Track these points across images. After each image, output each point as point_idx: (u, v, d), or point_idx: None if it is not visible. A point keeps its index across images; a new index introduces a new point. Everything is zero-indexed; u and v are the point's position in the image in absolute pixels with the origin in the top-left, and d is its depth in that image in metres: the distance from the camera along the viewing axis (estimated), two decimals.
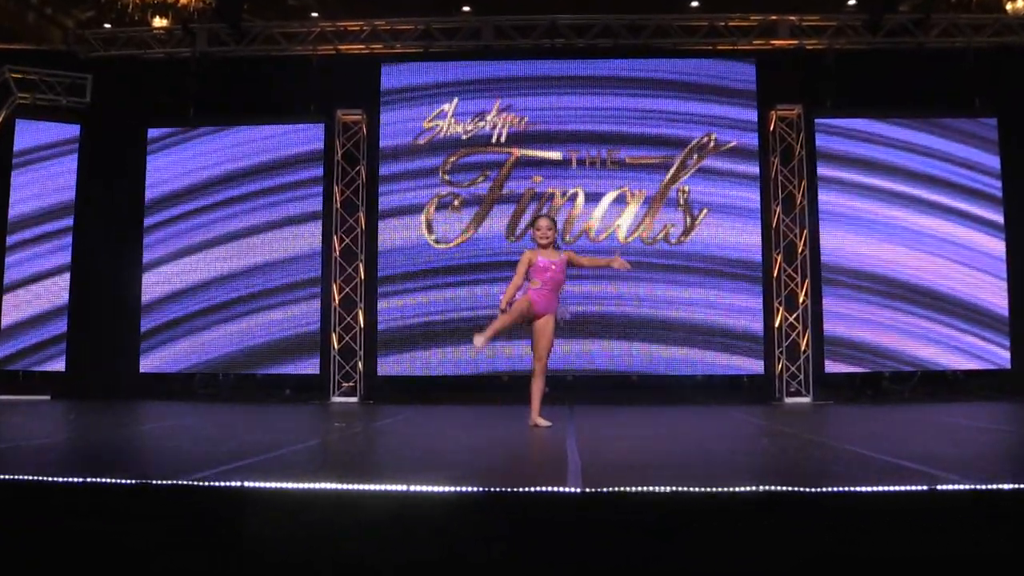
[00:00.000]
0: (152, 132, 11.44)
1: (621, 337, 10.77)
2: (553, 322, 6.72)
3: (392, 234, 11.06)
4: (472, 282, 10.85)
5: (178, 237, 11.26)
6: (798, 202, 10.94)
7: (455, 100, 11.17)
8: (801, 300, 10.86)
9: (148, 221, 11.30)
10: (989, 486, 3.22)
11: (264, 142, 11.31)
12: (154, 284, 11.22)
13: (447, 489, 3.25)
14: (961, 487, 3.29)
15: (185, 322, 11.16)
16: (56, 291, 11.23)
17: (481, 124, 11.10)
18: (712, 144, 10.96)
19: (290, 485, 3.33)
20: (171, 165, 11.37)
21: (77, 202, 11.39)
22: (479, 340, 6.41)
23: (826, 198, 10.95)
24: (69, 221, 11.36)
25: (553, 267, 6.70)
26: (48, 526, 3.23)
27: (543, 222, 6.86)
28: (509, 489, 3.29)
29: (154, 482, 3.46)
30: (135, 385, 11.04)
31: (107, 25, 11.62)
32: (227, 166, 11.29)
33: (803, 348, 10.80)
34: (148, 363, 11.17)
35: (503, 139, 11.06)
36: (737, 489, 3.23)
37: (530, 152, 11.02)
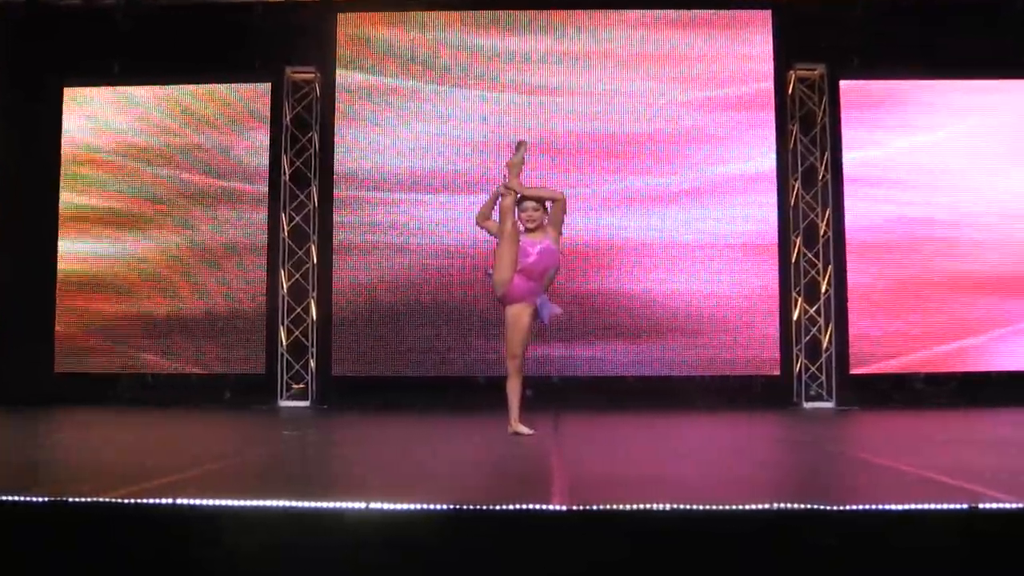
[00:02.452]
0: (69, 92, 11.35)
1: (613, 333, 10.78)
2: (530, 314, 6.63)
3: (351, 212, 11.02)
4: (449, 268, 10.80)
5: (99, 214, 11.17)
6: (820, 176, 10.97)
7: (426, 57, 11.11)
8: (823, 289, 10.90)
9: (64, 196, 11.23)
10: None
11: (200, 104, 11.22)
12: (71, 269, 11.16)
13: (413, 506, 3.26)
14: (1006, 506, 3.33)
15: (108, 313, 11.09)
16: None
17: (458, 83, 11.05)
18: (719, 108, 10.97)
19: (232, 502, 3.33)
20: (91, 131, 11.26)
21: None
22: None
23: (853, 171, 10.97)
24: None
25: (537, 251, 6.62)
26: None
27: (528, 202, 6.79)
28: (485, 506, 3.30)
29: (71, 500, 3.45)
30: (49, 388, 10.96)
31: None
32: (157, 132, 11.20)
33: (825, 345, 10.84)
34: (65, 362, 11.10)
35: (484, 100, 11.01)
36: (746, 507, 3.26)
37: (515, 114, 10.96)
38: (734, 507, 3.26)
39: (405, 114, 11.09)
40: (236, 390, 11.09)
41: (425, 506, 3.27)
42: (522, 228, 6.70)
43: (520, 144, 6.92)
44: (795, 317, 10.89)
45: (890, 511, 3.25)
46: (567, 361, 10.77)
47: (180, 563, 3.20)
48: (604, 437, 7.30)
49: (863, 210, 10.93)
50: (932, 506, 3.28)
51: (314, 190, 11.11)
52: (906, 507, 3.25)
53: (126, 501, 3.43)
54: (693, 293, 10.81)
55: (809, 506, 3.29)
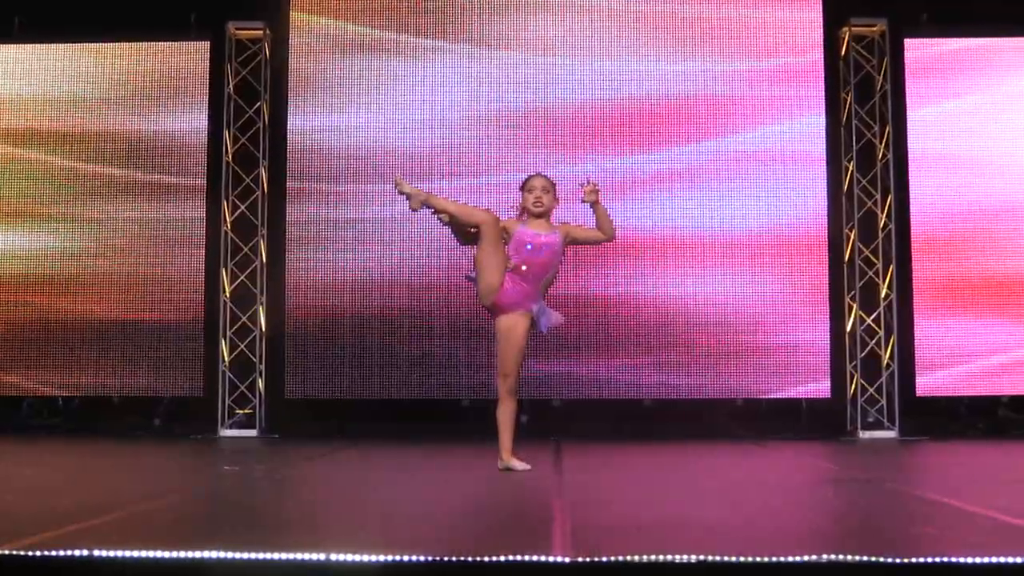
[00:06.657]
0: None
1: (628, 347, 10.78)
2: (526, 325, 6.62)
3: (308, 199, 10.99)
4: (427, 268, 10.77)
5: None
6: (880, 155, 10.98)
7: (404, 8, 11.06)
8: (883, 294, 10.90)
9: None
10: None
11: (122, 68, 11.21)
12: None
13: (384, 558, 3.25)
14: None
15: (8, 322, 11.07)
16: None
17: (444, 40, 11.02)
18: (754, 72, 10.97)
19: (159, 554, 3.32)
20: None
21: None
22: None
23: (920, 149, 10.98)
24: None
25: (539, 244, 6.59)
26: None
27: (537, 181, 6.72)
28: (471, 558, 3.30)
29: None
30: None
31: None
32: (69, 102, 11.19)
33: (886, 362, 10.85)
34: None
35: (476, 61, 10.96)
36: (790, 558, 3.25)
37: (515, 77, 10.94)
38: (774, 559, 3.26)
39: (376, 80, 11.05)
40: (167, 416, 11.08)
41: (399, 558, 3.26)
42: (526, 216, 6.68)
43: (397, 186, 6.87)
44: (849, 327, 10.90)
45: (966, 565, 3.24)
46: (570, 380, 10.76)
47: None
48: (615, 472, 7.31)
49: (933, 196, 10.91)
50: (1017, 559, 3.28)
51: (263, 173, 11.10)
52: (985, 560, 3.25)
53: (28, 553, 3.42)
54: (724, 298, 10.79)
55: (867, 558, 3.28)
